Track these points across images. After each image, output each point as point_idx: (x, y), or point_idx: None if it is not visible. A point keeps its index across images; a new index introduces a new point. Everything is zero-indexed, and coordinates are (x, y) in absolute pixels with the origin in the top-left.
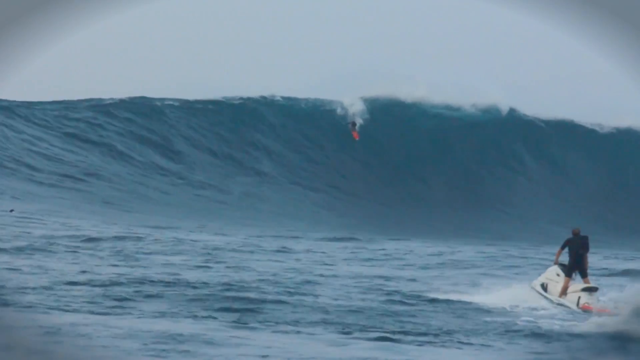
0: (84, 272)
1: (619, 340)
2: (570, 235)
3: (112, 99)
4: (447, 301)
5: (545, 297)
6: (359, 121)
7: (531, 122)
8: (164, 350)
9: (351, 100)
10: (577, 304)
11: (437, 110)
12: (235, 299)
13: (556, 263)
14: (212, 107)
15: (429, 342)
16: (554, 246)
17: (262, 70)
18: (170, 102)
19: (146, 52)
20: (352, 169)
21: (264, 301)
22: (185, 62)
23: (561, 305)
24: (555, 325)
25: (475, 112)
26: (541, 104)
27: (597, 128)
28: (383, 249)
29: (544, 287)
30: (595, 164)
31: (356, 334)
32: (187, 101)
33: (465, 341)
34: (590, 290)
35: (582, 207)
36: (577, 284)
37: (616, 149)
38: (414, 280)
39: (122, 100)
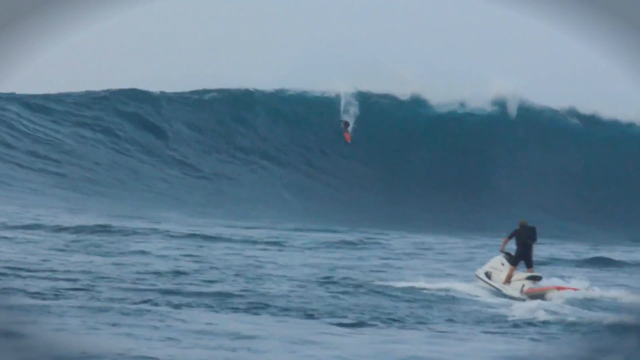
0: (45, 260)
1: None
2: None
3: (104, 90)
4: (406, 289)
5: (490, 285)
6: (351, 120)
7: (533, 113)
8: (134, 334)
9: (345, 90)
10: (521, 291)
11: (435, 102)
12: (190, 289)
13: (502, 251)
14: (201, 95)
15: (398, 327)
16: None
17: (251, 62)
18: (161, 94)
19: (134, 46)
20: (337, 156)
21: (226, 293)
22: (184, 56)
23: (505, 291)
24: (505, 310)
25: (476, 105)
26: (544, 95)
27: (596, 118)
28: (349, 239)
29: (488, 275)
30: (593, 156)
31: (324, 319)
32: (181, 93)
33: (426, 327)
34: (534, 278)
35: (574, 197)
36: (521, 273)
37: (615, 141)
38: (377, 270)
39: (109, 90)
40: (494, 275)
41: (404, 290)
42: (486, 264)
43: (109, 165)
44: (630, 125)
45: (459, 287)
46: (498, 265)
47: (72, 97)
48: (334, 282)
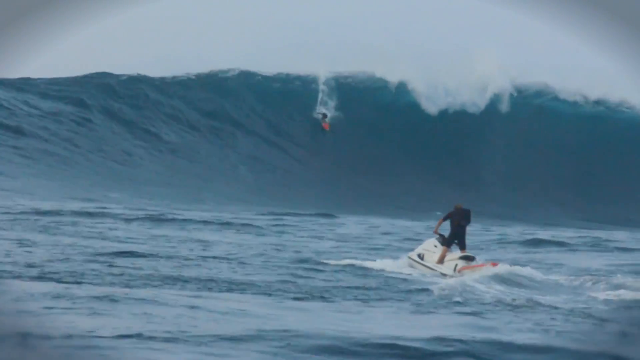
0: None
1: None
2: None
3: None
4: (344, 268)
5: (423, 265)
6: (329, 111)
7: (518, 98)
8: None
9: (324, 74)
10: (454, 270)
11: (409, 80)
12: (140, 272)
13: (436, 232)
14: (176, 74)
15: (337, 302)
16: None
17: (229, 43)
18: (135, 76)
19: (108, 30)
20: (308, 131)
21: (176, 274)
22: (157, 40)
23: (439, 270)
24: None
25: (452, 85)
26: (530, 76)
27: (581, 99)
28: (294, 222)
29: (421, 257)
30: (564, 134)
31: (274, 296)
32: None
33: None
34: (468, 258)
35: (536, 175)
36: (454, 253)
37: (598, 123)
38: (324, 251)
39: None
40: (426, 257)
41: (340, 269)
42: (419, 246)
43: (70, 138)
44: (598, 102)
45: (393, 266)
46: (431, 247)
47: (44, 80)
48: (278, 263)
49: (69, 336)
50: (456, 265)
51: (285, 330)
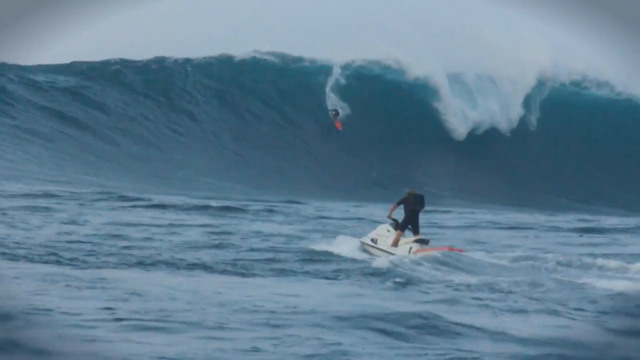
0: None
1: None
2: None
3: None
4: (310, 251)
5: (377, 249)
6: (340, 98)
7: (545, 90)
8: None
9: (339, 61)
10: (409, 252)
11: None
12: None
13: (389, 217)
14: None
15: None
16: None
17: (242, 26)
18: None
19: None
20: (314, 127)
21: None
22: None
23: (393, 252)
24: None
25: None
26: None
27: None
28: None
29: (374, 241)
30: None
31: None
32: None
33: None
34: (422, 241)
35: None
36: (408, 237)
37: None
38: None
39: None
40: (380, 241)
41: (304, 252)
42: (372, 231)
43: (58, 112)
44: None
45: (343, 248)
46: (384, 232)
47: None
48: (226, 247)
49: (49, 316)
50: (410, 248)
51: (272, 312)
